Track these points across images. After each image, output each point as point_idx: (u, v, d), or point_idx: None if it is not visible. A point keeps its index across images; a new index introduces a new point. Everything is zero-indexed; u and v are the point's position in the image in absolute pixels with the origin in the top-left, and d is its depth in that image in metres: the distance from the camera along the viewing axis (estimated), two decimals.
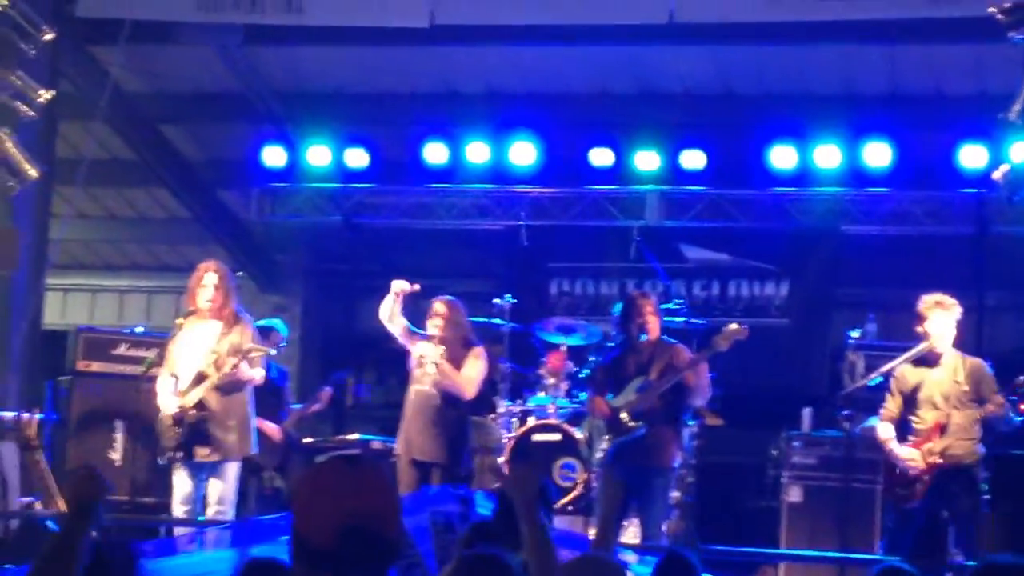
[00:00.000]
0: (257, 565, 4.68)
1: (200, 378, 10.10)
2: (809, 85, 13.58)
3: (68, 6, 12.17)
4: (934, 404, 9.62)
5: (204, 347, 10.14)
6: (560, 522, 10.47)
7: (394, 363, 11.93)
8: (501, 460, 11.74)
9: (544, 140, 13.89)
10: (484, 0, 11.91)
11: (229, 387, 10.12)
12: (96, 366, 12.35)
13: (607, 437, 10.20)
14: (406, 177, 14.35)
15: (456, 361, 10.45)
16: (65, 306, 17.05)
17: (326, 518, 3.37)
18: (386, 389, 15.87)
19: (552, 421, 11.79)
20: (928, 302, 9.68)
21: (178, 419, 10.09)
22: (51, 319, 14.23)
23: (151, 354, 10.84)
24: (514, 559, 4.84)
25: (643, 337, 10.12)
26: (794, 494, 11.34)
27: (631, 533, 10.41)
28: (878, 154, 13.36)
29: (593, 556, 5.61)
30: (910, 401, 9.71)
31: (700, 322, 11.99)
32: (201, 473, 10.18)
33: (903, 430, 9.76)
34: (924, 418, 9.65)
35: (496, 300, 12.46)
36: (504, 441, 11.85)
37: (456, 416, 10.49)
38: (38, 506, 9.12)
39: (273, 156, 14.30)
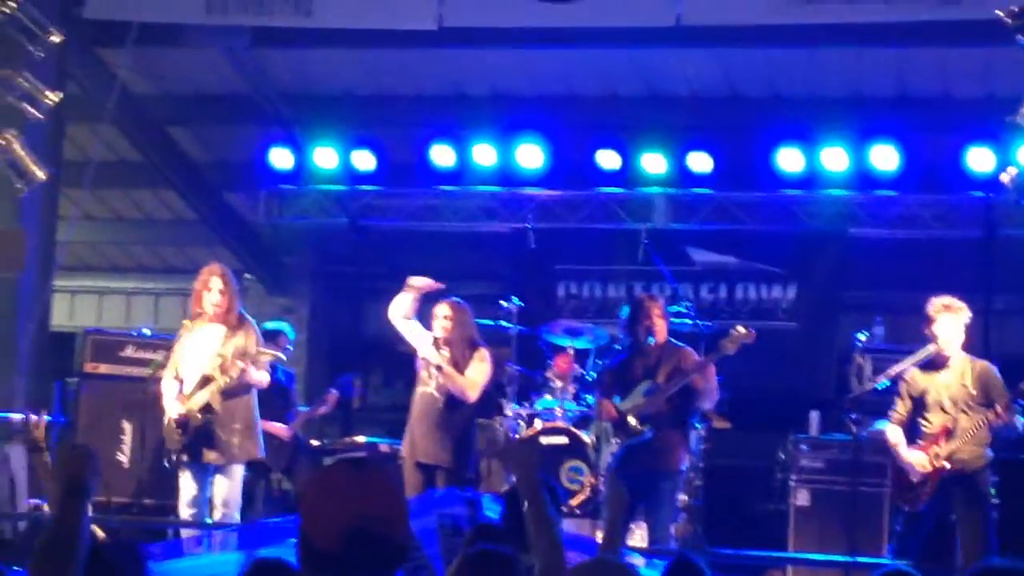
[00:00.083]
0: (263, 565, 4.67)
1: (205, 381, 10.10)
2: (816, 88, 13.58)
3: (76, 8, 12.18)
4: (942, 407, 9.60)
5: (209, 350, 10.14)
6: (567, 525, 10.46)
7: (401, 365, 11.94)
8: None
9: (551, 142, 13.89)
10: (491, 3, 11.91)
11: (234, 390, 10.12)
12: (104, 368, 12.37)
13: (614, 440, 10.19)
14: (413, 179, 14.35)
15: (461, 363, 10.44)
16: (72, 308, 17.08)
17: (333, 521, 3.37)
18: (393, 391, 15.87)
19: (559, 424, 11.78)
20: (936, 305, 9.66)
21: (183, 422, 10.09)
22: (58, 321, 14.25)
23: (158, 356, 10.85)
24: (521, 559, 4.81)
25: (650, 340, 10.11)
26: (802, 497, 11.32)
27: (638, 536, 10.40)
28: (886, 157, 13.35)
29: (605, 559, 5.59)
30: (919, 404, 9.69)
31: (707, 323, 11.98)
32: (206, 476, 10.18)
33: (912, 433, 9.74)
34: (932, 421, 9.64)
35: (503, 303, 12.45)
36: None
37: (461, 419, 10.48)
38: (46, 508, 9.14)
39: (280, 158, 14.32)
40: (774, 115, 13.68)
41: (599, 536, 10.28)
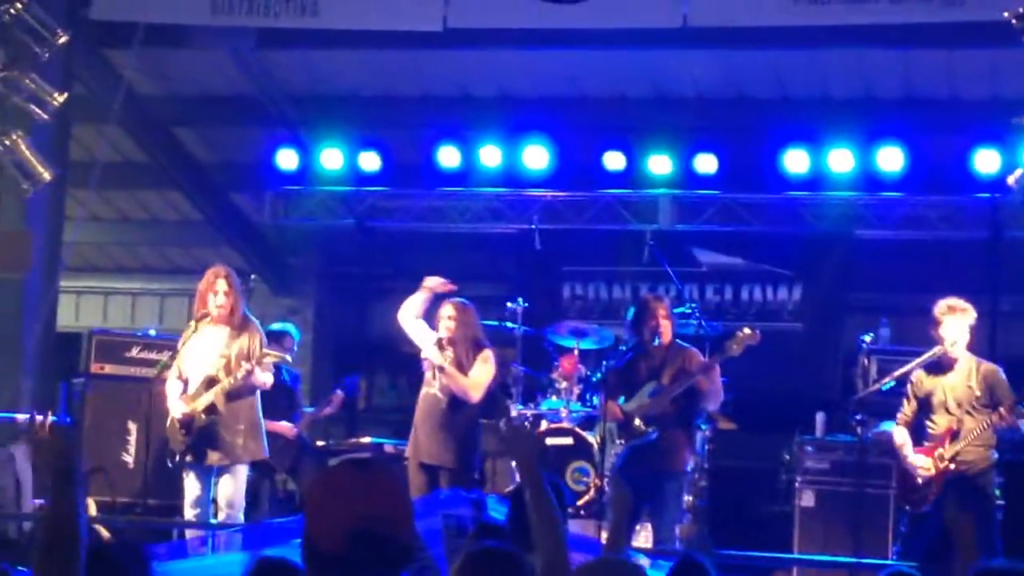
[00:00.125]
0: (268, 565, 4.67)
1: (210, 382, 10.11)
2: (823, 89, 13.57)
3: (82, 9, 12.18)
4: (947, 409, 9.60)
5: (213, 352, 10.14)
6: (573, 526, 10.45)
7: (407, 366, 11.95)
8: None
9: (557, 144, 13.89)
10: (497, 4, 11.90)
11: (238, 392, 10.12)
12: (109, 368, 12.37)
13: (619, 441, 10.19)
14: (419, 180, 14.35)
15: (465, 364, 10.43)
16: (78, 308, 17.08)
17: (337, 522, 3.37)
18: (399, 392, 15.87)
19: (565, 425, 11.77)
20: (942, 307, 9.66)
21: (186, 423, 10.10)
22: (64, 321, 14.24)
23: (164, 356, 10.85)
24: (526, 559, 4.78)
25: (656, 341, 10.11)
26: (807, 499, 11.32)
27: (643, 537, 10.40)
28: (892, 158, 13.34)
29: (612, 558, 5.58)
30: (925, 406, 9.69)
31: (713, 323, 11.98)
32: (210, 476, 10.18)
33: (918, 435, 9.74)
34: (937, 423, 9.63)
35: (509, 304, 12.45)
36: None
37: (465, 420, 10.45)
38: None
39: (286, 159, 14.32)
40: (780, 116, 13.67)
41: (604, 537, 10.27)
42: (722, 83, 13.67)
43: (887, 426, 10.26)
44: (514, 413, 11.99)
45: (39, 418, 8.61)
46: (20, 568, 6.78)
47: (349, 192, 14.58)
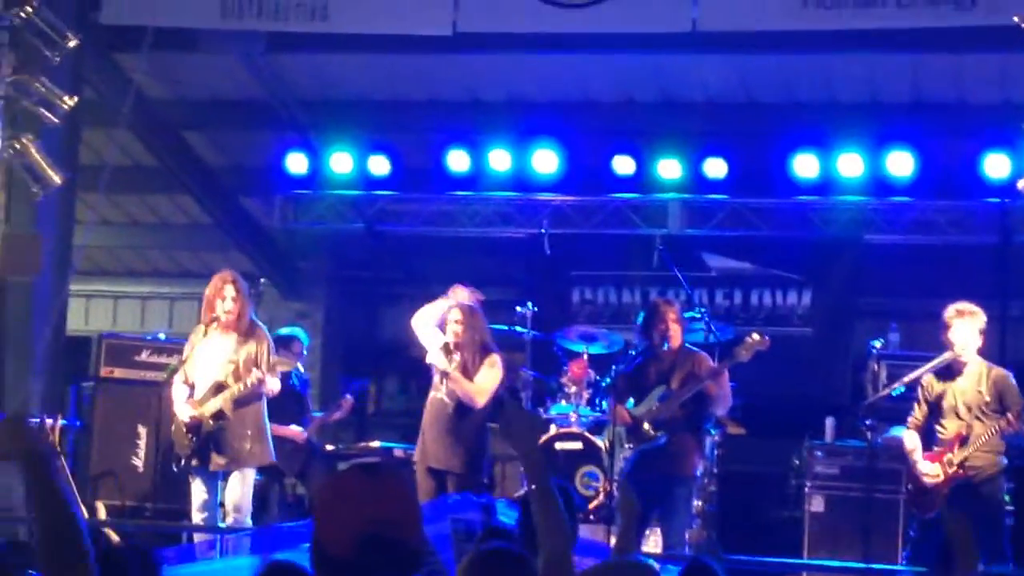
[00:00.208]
0: (277, 569, 4.66)
1: (218, 388, 10.11)
2: (832, 94, 13.56)
3: (92, 13, 12.20)
4: (957, 414, 9.58)
5: (221, 357, 10.14)
6: (582, 531, 10.44)
7: (416, 370, 11.93)
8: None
9: (567, 148, 13.89)
10: (507, 8, 11.90)
11: (245, 397, 10.12)
12: (119, 372, 12.39)
13: (628, 445, 10.18)
14: (428, 184, 14.36)
15: (471, 368, 10.38)
16: (88, 312, 17.10)
17: (346, 526, 3.37)
18: (408, 396, 15.88)
19: (574, 430, 11.77)
20: (952, 310, 9.65)
21: (193, 427, 10.10)
22: (74, 325, 14.25)
23: (173, 360, 10.86)
24: (533, 561, 4.74)
25: (665, 345, 10.10)
26: (816, 504, 11.30)
27: (652, 542, 10.38)
28: (901, 163, 13.32)
29: (626, 559, 5.56)
30: (935, 410, 9.68)
31: (722, 325, 11.97)
32: (216, 481, 10.18)
33: (929, 439, 9.73)
34: (946, 428, 9.62)
35: (518, 308, 12.45)
36: None
37: (472, 425, 10.36)
38: None
39: (296, 163, 14.32)
40: (790, 121, 13.66)
41: (613, 542, 10.26)
42: (731, 87, 13.67)
43: (897, 431, 10.25)
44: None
45: (49, 422, 8.64)
46: (31, 572, 6.79)
47: (359, 196, 14.58)
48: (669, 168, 13.77)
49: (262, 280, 15.43)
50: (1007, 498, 10.01)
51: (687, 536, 10.28)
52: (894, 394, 10.25)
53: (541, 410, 12.09)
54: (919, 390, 9.82)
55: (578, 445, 11.65)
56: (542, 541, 4.59)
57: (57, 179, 10.97)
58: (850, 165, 13.41)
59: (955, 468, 9.51)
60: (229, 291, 10.16)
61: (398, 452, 12.49)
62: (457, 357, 10.35)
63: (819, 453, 11.46)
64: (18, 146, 10.85)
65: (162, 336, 12.97)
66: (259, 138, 14.82)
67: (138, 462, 12.14)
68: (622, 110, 14.02)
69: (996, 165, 12.98)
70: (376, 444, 13.03)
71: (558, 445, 11.64)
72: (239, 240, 15.70)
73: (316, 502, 3.47)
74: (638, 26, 11.77)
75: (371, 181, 14.34)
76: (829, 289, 14.63)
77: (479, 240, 14.80)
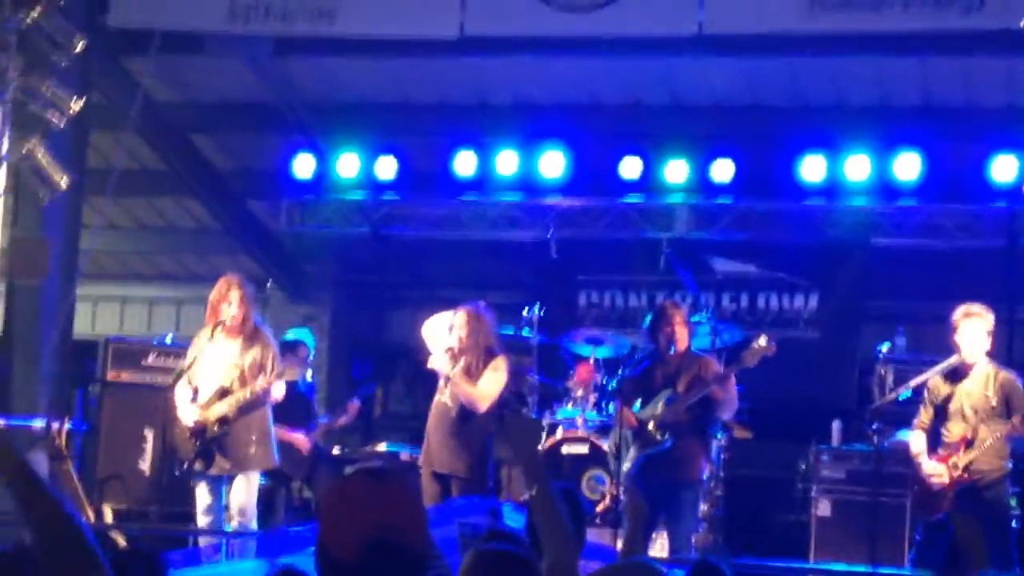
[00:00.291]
0: (284, 572, 4.66)
1: (223, 393, 10.11)
2: (839, 96, 13.54)
3: (99, 16, 12.20)
4: (963, 416, 9.58)
5: (226, 362, 10.14)
6: (589, 534, 10.43)
7: (422, 374, 11.92)
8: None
9: (574, 151, 13.87)
10: (514, 11, 11.89)
11: (251, 403, 10.13)
12: (126, 376, 12.40)
13: (634, 449, 10.17)
14: (435, 188, 14.34)
15: (475, 373, 10.34)
16: (94, 316, 17.11)
17: (351, 530, 3.36)
18: (414, 400, 15.87)
19: (580, 433, 11.76)
20: (959, 312, 9.64)
21: (197, 431, 10.09)
22: (81, 329, 14.26)
23: (180, 364, 10.86)
24: (538, 565, 4.72)
25: (671, 348, 10.09)
26: (823, 508, 11.30)
27: (659, 546, 10.38)
28: (909, 166, 13.29)
29: (633, 560, 5.55)
30: (941, 412, 9.67)
31: (728, 326, 11.96)
32: (220, 485, 10.18)
33: (935, 442, 9.72)
34: (952, 431, 9.61)
35: (525, 311, 12.44)
36: None
37: (477, 429, 10.30)
38: None
39: (303, 166, 14.30)
40: (797, 124, 13.64)
41: (620, 545, 10.25)
42: (738, 90, 13.65)
43: (904, 435, 10.24)
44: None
45: (56, 425, 8.64)
46: None
47: (365, 199, 14.57)
48: (676, 171, 13.75)
49: (269, 283, 15.44)
50: (1013, 502, 9.99)
51: (693, 540, 10.27)
52: (901, 398, 10.25)
53: (548, 413, 12.09)
54: (925, 392, 9.81)
55: (584, 449, 11.65)
56: (544, 545, 4.59)
57: (64, 183, 10.99)
58: (857, 168, 13.38)
59: (960, 471, 9.50)
60: (234, 295, 10.15)
61: (404, 456, 12.48)
62: (460, 361, 10.31)
63: (825, 457, 11.45)
64: (25, 150, 10.86)
65: (169, 340, 12.98)
66: (266, 141, 14.82)
67: (144, 465, 12.15)
68: (629, 113, 14.01)
69: (1004, 168, 12.95)
70: (382, 448, 13.02)
71: (565, 449, 11.64)
72: (246, 243, 15.71)
73: (322, 506, 3.46)
74: (645, 29, 11.76)
75: (378, 184, 14.31)
76: (836, 293, 14.61)
77: (486, 243, 14.79)
